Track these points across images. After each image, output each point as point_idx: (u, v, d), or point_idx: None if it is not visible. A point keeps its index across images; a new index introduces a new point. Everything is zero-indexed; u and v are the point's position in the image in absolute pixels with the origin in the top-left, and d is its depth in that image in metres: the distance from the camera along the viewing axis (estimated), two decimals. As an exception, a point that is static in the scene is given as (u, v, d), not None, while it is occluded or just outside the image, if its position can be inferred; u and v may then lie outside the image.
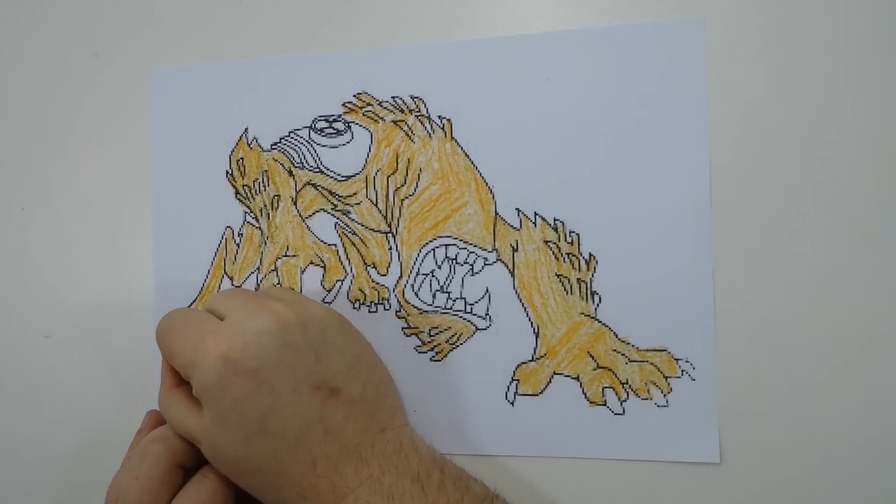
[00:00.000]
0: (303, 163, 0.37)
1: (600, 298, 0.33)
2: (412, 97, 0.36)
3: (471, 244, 0.35)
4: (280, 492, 0.28)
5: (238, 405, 0.28)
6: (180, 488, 0.31)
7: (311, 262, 0.37)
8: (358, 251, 0.36)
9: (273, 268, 0.37)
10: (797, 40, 0.32)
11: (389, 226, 0.36)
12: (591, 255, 0.34)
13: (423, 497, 0.27)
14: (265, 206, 0.37)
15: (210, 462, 0.31)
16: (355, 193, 0.36)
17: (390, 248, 0.36)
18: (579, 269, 0.34)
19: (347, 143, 0.36)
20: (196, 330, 0.30)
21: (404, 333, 0.35)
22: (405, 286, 0.35)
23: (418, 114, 0.36)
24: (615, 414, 0.33)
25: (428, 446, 0.31)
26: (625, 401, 0.33)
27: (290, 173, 0.37)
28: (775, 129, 0.32)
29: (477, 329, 0.35)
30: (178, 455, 0.32)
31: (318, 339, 0.30)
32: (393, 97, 0.36)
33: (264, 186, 0.37)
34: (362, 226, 0.36)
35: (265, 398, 0.28)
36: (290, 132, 0.37)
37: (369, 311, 0.36)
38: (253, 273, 0.37)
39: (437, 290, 0.35)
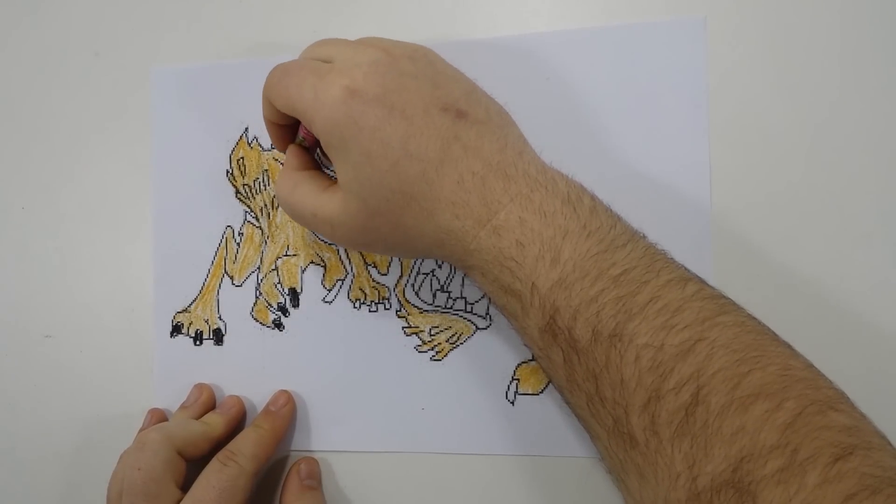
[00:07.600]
0: (303, 162, 0.37)
1: (600, 298, 0.33)
2: (412, 97, 0.36)
3: (471, 244, 0.35)
4: (434, 217, 0.28)
5: (377, 133, 0.28)
6: (183, 475, 0.31)
7: (312, 262, 0.37)
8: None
9: (273, 267, 0.37)
10: (797, 40, 0.32)
11: (390, 225, 0.36)
12: (591, 254, 0.33)
13: (575, 217, 0.26)
14: (266, 205, 0.37)
15: (345, 233, 0.30)
16: (356, 193, 0.36)
17: (390, 248, 0.36)
18: (579, 269, 0.34)
19: (348, 142, 0.36)
20: (313, 71, 0.29)
21: (405, 333, 0.35)
22: (405, 285, 0.35)
23: (418, 113, 0.35)
24: (615, 413, 0.33)
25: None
26: (625, 400, 0.33)
27: (291, 173, 0.37)
28: (775, 129, 0.32)
29: (477, 328, 0.35)
30: (177, 442, 0.32)
31: (429, 68, 0.30)
32: (393, 97, 0.36)
33: (265, 186, 0.37)
34: (362, 225, 0.36)
35: (400, 122, 0.28)
36: (290, 132, 0.37)
37: (370, 311, 0.36)
38: (253, 272, 0.37)
39: (438, 290, 0.35)
